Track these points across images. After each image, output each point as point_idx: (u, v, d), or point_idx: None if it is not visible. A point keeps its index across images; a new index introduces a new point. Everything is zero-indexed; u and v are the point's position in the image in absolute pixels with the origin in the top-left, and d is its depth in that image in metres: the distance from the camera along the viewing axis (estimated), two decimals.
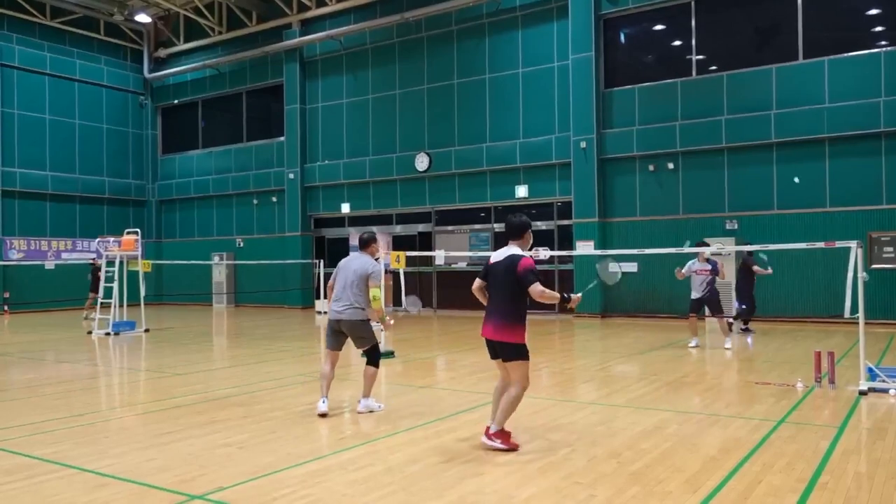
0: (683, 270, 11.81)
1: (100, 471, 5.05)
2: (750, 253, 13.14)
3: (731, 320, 12.85)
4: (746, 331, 13.70)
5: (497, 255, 5.49)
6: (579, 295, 5.50)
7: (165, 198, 27.22)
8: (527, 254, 5.43)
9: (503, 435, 5.38)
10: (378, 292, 6.69)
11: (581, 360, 10.92)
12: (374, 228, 22.89)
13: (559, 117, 18.73)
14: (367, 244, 6.91)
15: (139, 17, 25.44)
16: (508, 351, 5.31)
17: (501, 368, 5.49)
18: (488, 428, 5.45)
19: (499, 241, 19.94)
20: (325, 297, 7.57)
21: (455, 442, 5.76)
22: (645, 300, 17.13)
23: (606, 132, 18.00)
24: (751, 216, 16.26)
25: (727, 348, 11.29)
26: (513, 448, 5.36)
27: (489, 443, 5.38)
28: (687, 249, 12.47)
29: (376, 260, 7.10)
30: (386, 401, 7.46)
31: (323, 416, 6.75)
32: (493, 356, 5.53)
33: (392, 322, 7.48)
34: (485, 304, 5.56)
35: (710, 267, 11.60)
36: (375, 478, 4.82)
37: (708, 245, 11.95)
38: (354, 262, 6.83)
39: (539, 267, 18.65)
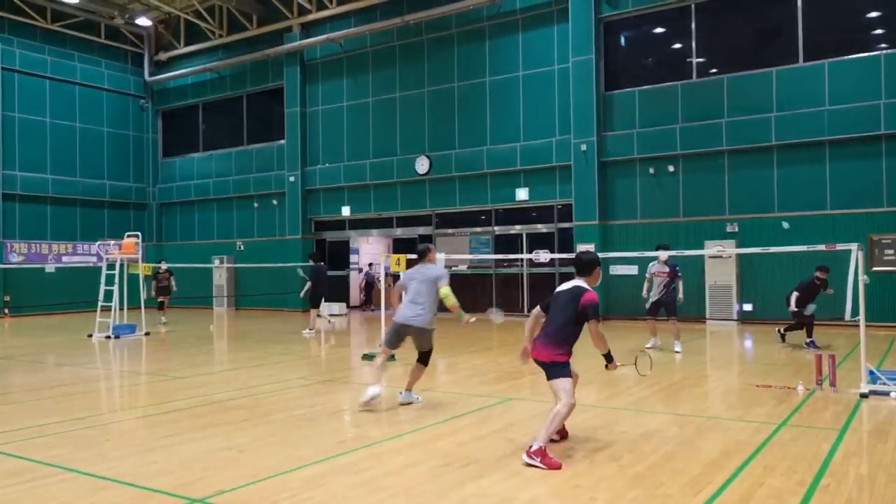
0: (647, 275, 12.05)
1: (100, 474, 5.04)
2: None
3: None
4: (811, 344, 11.77)
5: (563, 287, 5.68)
6: (619, 364, 5.60)
7: (166, 201, 27.22)
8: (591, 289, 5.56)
9: (542, 452, 5.06)
10: (448, 290, 7.29)
11: (581, 362, 10.86)
12: (375, 231, 23.02)
13: (560, 120, 18.74)
14: (424, 254, 7.69)
15: (140, 21, 25.49)
16: (552, 368, 5.38)
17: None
18: (530, 446, 5.13)
19: (499, 243, 20.00)
20: (391, 304, 8.27)
21: (456, 445, 5.76)
22: (645, 303, 17.09)
23: (607, 135, 18.00)
24: (751, 219, 16.26)
25: (677, 351, 11.31)
26: (553, 467, 4.99)
27: (529, 460, 5.07)
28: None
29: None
30: (388, 403, 7.46)
31: (370, 400, 7.10)
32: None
33: (473, 319, 7.48)
34: (534, 333, 5.70)
35: (667, 269, 11.74)
36: (377, 480, 4.82)
37: (668, 248, 12.06)
38: (423, 271, 7.49)
39: (539, 270, 18.92)
